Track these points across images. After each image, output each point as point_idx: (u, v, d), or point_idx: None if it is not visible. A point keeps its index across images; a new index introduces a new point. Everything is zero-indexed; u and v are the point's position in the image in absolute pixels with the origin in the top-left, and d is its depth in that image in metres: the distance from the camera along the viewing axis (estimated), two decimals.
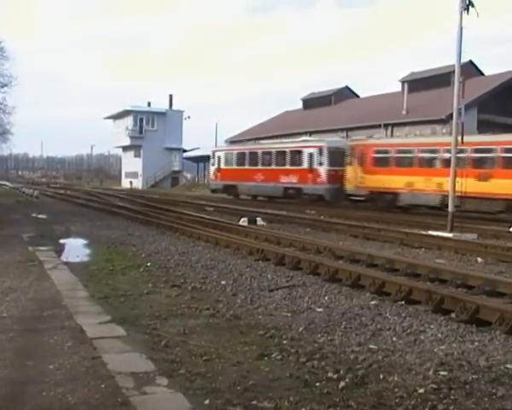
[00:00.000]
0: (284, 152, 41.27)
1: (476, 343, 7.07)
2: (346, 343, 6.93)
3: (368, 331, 7.53)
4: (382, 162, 34.83)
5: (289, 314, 8.44)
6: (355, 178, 35.86)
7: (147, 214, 25.96)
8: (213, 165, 49.79)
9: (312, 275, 11.99)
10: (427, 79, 51.17)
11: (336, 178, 36.64)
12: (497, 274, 12.58)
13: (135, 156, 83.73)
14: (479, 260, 15.06)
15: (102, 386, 5.24)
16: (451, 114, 23.22)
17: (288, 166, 40.50)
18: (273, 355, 6.34)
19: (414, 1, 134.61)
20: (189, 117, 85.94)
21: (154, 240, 17.63)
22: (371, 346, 6.82)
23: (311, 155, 38.28)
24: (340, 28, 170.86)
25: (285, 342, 6.90)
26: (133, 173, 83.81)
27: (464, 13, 20.47)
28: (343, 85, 68.46)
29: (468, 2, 20.24)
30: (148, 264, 12.83)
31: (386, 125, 47.72)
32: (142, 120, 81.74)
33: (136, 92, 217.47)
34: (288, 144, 42.48)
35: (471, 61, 46.96)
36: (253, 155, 45.01)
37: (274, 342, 6.90)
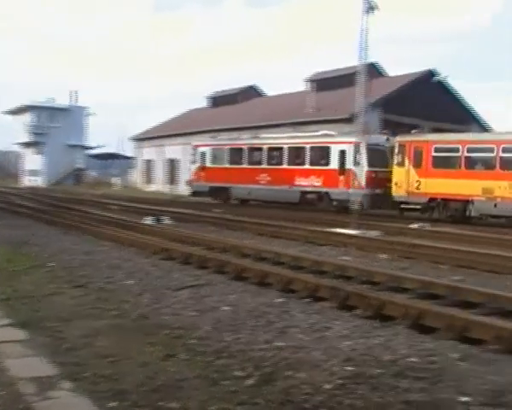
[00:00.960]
0: (302, 149, 34.56)
1: (381, 338, 7.20)
2: (254, 341, 6.92)
3: (275, 329, 7.55)
4: (448, 163, 28.76)
5: (196, 313, 8.37)
6: (407, 181, 29.44)
7: (50, 213, 25.32)
8: (194, 162, 41.91)
9: (219, 274, 11.97)
10: (333, 78, 51.96)
11: (377, 181, 30.53)
12: (401, 270, 12.91)
13: (36, 153, 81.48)
14: (383, 256, 15.43)
15: (3, 393, 5.03)
16: (356, 113, 23.75)
17: (307, 166, 33.88)
18: (180, 355, 6.26)
19: (322, 2, 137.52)
20: (94, 113, 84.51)
21: (58, 239, 17.17)
22: (278, 343, 6.84)
23: (342, 152, 31.71)
24: (248, 27, 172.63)
25: (192, 341, 6.84)
26: (34, 171, 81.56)
27: (368, 14, 21.01)
28: (249, 84, 68.78)
29: (370, 4, 20.75)
30: (52, 264, 12.47)
31: (293, 124, 48.20)
32: (42, 116, 79.58)
33: (44, 88, 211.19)
34: (309, 139, 34.96)
35: (373, 63, 48.05)
36: (255, 151, 38.05)
37: (181, 341, 6.82)
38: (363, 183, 30.05)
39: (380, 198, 30.47)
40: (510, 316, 8.61)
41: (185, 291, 10.02)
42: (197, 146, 42.66)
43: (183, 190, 60.65)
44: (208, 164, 40.64)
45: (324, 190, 32.69)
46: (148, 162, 69.54)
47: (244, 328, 7.55)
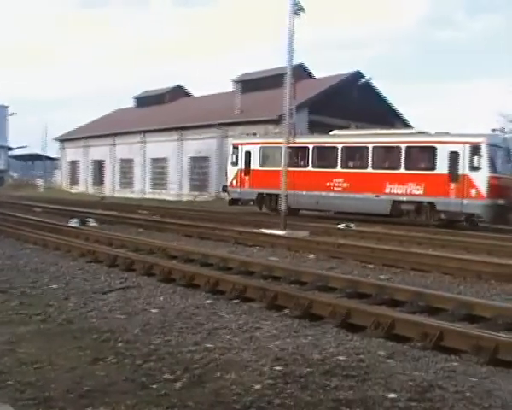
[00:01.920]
0: (395, 149, 28.52)
1: (310, 337, 7.26)
2: (183, 343, 6.87)
3: (204, 330, 7.51)
4: None
5: (124, 316, 8.25)
6: None
7: None
8: (235, 164, 34.38)
9: (147, 276, 11.83)
10: (261, 79, 52.26)
11: (502, 189, 25.50)
12: (328, 270, 13.06)
13: None
14: (310, 256, 15.58)
15: None
16: (283, 115, 23.91)
17: (402, 170, 27.85)
18: (108, 359, 6.16)
19: (250, 3, 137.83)
20: (14, 113, 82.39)
21: None
22: (207, 345, 6.80)
23: (454, 154, 26.00)
24: (176, 27, 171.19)
25: (120, 345, 6.73)
26: None
27: (295, 16, 21.19)
28: (176, 84, 68.40)
29: (298, 7, 20.95)
30: None
31: (220, 125, 48.21)
32: None
33: None
34: (405, 137, 28.85)
35: (301, 65, 48.57)
36: (326, 151, 31.52)
37: (109, 345, 6.70)
38: (484, 191, 25.27)
39: (504, 210, 25.57)
40: (435, 313, 8.82)
41: (113, 294, 9.87)
42: (239, 144, 34.90)
43: (108, 191, 60.11)
44: (255, 166, 33.57)
45: (427, 199, 26.92)
46: (73, 163, 68.37)
47: (173, 330, 7.47)
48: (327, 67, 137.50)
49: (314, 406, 5.01)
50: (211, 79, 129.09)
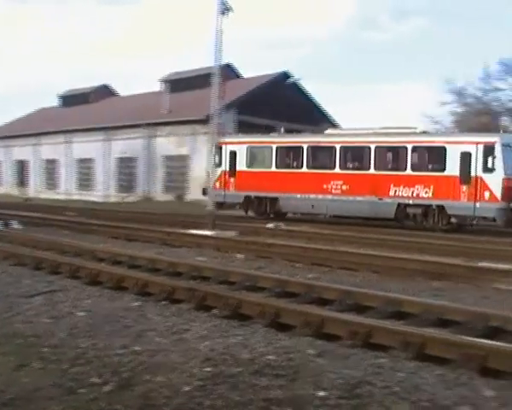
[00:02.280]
0: (401, 149, 27.06)
1: (239, 338, 7.25)
2: (110, 347, 6.75)
3: (132, 333, 7.41)
4: None
5: (50, 320, 8.06)
6: None
7: None
8: (219, 165, 30.28)
9: (73, 279, 11.58)
10: (189, 79, 52.05)
11: None
12: (257, 269, 13.09)
13: None
14: (239, 256, 15.58)
15: None
16: (211, 115, 23.89)
17: (409, 172, 26.36)
18: (33, 364, 6.00)
19: (180, 3, 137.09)
20: None
21: None
22: (136, 347, 6.71)
23: (466, 155, 24.81)
24: (101, 25, 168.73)
25: (46, 349, 6.56)
26: None
27: (223, 16, 21.22)
28: (102, 83, 67.47)
29: (226, 6, 20.96)
30: None
31: (147, 125, 47.81)
32: None
33: None
34: (411, 137, 27.12)
35: (229, 64, 48.64)
36: (322, 151, 29.50)
37: (34, 350, 6.53)
38: (499, 194, 24.10)
39: None
40: (364, 311, 8.94)
41: (38, 298, 9.63)
42: (223, 144, 31.13)
43: (33, 192, 58.77)
44: (242, 167, 31.20)
45: (436, 202, 25.59)
46: None
47: (100, 333, 7.34)
48: (257, 67, 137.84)
49: (244, 406, 5.00)
50: (140, 79, 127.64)
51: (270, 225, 24.56)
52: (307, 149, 29.31)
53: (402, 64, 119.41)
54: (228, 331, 7.60)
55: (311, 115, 47.56)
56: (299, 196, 28.80)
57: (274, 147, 30.19)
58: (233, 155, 31.39)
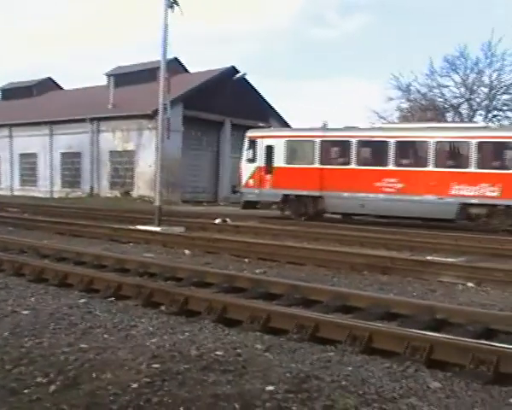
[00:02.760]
0: (463, 145, 25.38)
1: (187, 334, 7.21)
2: (56, 345, 6.63)
3: (78, 331, 7.29)
4: None
5: None
6: None
7: None
8: (253, 161, 29.17)
9: (16, 276, 11.35)
10: (135, 73, 51.52)
11: None
12: (204, 265, 13.07)
13: None
14: (186, 252, 15.53)
15: None
16: (157, 110, 23.71)
17: (473, 169, 24.55)
18: None
19: None
20: None
21: None
22: (82, 345, 6.61)
23: None
24: (45, 17, 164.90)
25: None
26: None
27: (170, 10, 21.07)
28: (46, 76, 66.16)
29: (172, 0, 20.83)
30: None
31: (92, 120, 47.17)
32: None
33: None
34: (474, 132, 25.58)
35: (176, 59, 48.30)
36: (375, 146, 27.21)
37: None
38: None
39: None
40: (310, 305, 9.01)
41: None
42: (258, 138, 29.48)
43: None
44: (280, 163, 28.59)
45: (505, 202, 23.99)
46: None
47: (45, 331, 7.21)
48: (205, 62, 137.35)
49: (192, 402, 4.97)
50: (85, 73, 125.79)
51: (217, 221, 24.55)
52: (356, 144, 27.08)
53: (349, 60, 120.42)
54: (175, 328, 7.55)
55: (258, 111, 47.60)
56: (346, 194, 26.63)
57: (317, 141, 27.71)
58: (269, 149, 28.79)
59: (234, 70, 49.13)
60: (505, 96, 53.68)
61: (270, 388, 5.31)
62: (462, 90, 53.66)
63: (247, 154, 29.49)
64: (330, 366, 6.08)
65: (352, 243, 17.94)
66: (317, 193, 27.34)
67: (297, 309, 8.45)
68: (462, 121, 47.64)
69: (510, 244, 18.32)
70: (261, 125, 36.52)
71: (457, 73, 53.49)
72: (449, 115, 54.35)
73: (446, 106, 54.33)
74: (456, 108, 53.95)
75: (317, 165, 27.52)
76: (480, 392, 5.53)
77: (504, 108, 53.83)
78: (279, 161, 28.44)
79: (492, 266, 13.60)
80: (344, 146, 27.35)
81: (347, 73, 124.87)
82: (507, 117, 51.69)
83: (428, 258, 14.60)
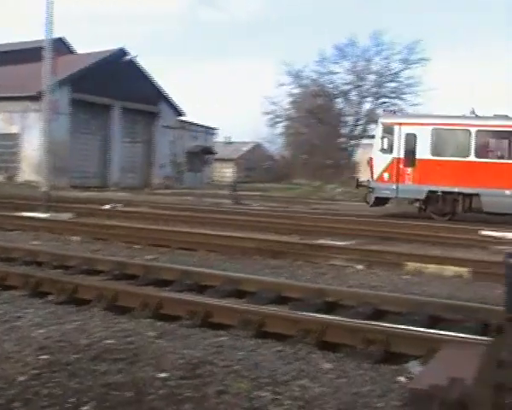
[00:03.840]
0: None
1: (76, 323, 7.04)
2: None
3: None
4: None
5: None
6: None
7: None
8: (387, 151, 25.14)
9: None
10: (18, 52, 49.46)
11: None
12: (94, 252, 12.82)
13: None
14: (75, 239, 15.16)
15: None
16: (43, 91, 22.95)
17: None
18: None
19: None
20: None
21: None
22: None
23: None
24: None
25: None
26: None
27: None
28: None
29: None
30: None
31: None
32: None
33: None
34: None
35: (61, 39, 46.89)
36: None
37: None
38: None
39: None
40: (202, 290, 9.00)
41: None
42: (395, 124, 25.37)
43: None
44: (425, 155, 24.71)
45: None
46: None
47: None
48: (94, 44, 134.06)
49: (83, 393, 4.87)
50: None
51: (107, 207, 24.13)
52: None
53: (242, 45, 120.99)
54: (64, 317, 7.35)
55: (148, 94, 47.00)
56: (508, 192, 23.26)
57: (473, 130, 24.12)
58: (411, 138, 24.89)
59: (123, 52, 48.21)
60: (393, 84, 55.62)
61: (163, 375, 5.27)
62: (352, 77, 55.13)
63: (381, 143, 25.38)
64: (223, 351, 6.10)
65: (243, 227, 18.06)
66: (471, 190, 23.94)
67: (189, 295, 8.42)
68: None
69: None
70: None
71: (347, 60, 54.92)
72: (338, 101, 55.74)
73: (336, 92, 55.64)
74: (345, 93, 55.33)
75: (472, 158, 24.17)
76: (370, 371, 5.70)
77: (392, 95, 55.80)
78: (423, 152, 24.73)
79: (382, 248, 14.05)
80: (506, 137, 24.48)
81: (241, 58, 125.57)
82: (394, 104, 53.55)
83: (317, 242, 14.90)
